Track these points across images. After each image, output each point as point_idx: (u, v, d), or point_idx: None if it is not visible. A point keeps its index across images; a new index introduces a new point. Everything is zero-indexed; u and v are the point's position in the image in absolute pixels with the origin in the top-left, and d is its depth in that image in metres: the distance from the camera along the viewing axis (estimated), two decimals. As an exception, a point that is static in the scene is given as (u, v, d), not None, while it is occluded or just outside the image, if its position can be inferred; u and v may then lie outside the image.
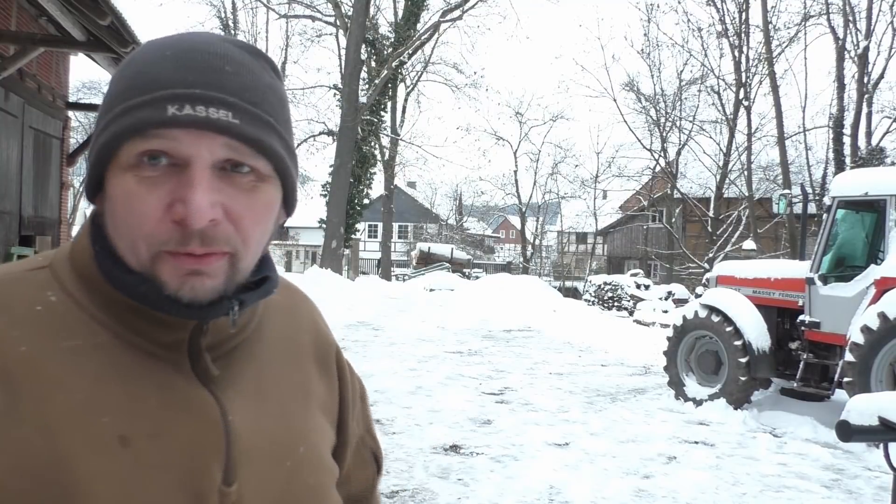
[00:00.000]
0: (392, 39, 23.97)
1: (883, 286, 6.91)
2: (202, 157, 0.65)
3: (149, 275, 0.66)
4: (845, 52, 22.94)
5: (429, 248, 33.10)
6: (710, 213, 28.07)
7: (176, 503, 0.66)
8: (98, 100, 31.41)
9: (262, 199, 0.69)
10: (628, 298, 22.32)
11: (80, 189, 35.69)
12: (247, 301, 0.71)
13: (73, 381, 0.65)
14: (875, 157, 22.09)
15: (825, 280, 7.65)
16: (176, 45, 0.68)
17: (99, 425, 0.64)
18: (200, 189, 0.64)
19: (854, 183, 7.68)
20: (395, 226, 39.07)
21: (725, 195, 28.34)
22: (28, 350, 0.65)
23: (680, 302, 19.99)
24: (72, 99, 12.53)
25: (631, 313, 21.24)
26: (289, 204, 0.75)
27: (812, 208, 15.43)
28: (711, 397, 8.20)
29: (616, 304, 22.54)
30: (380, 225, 35.95)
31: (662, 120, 29.40)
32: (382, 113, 25.28)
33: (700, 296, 9.30)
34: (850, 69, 23.15)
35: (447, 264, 29.93)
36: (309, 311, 0.90)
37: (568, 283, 35.98)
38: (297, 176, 0.75)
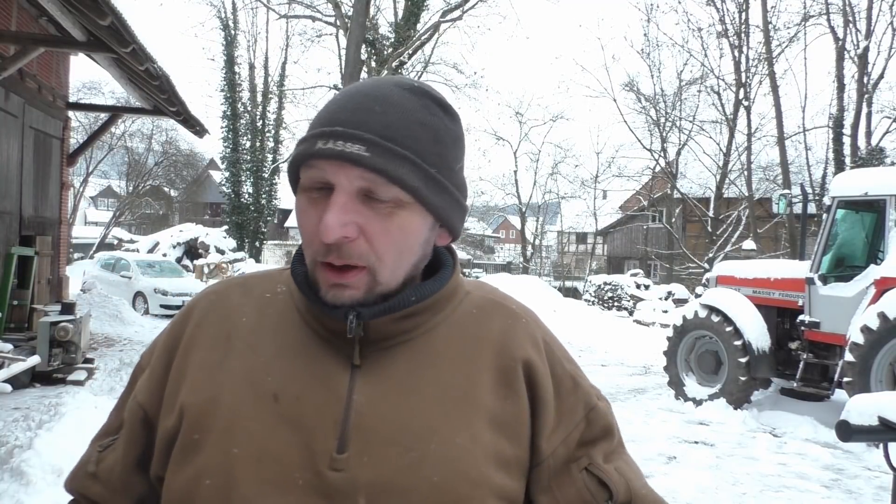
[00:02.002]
0: (392, 39, 23.92)
1: (883, 286, 6.92)
2: (342, 185, 0.79)
3: (312, 278, 0.84)
4: (845, 52, 22.90)
5: (429, 248, 33.02)
6: (710, 213, 28.00)
7: (297, 457, 0.80)
8: (98, 100, 31.29)
9: (397, 223, 0.81)
10: (628, 298, 22.31)
11: (80, 189, 35.67)
12: (363, 314, 0.83)
13: (263, 348, 0.87)
14: (875, 157, 22.03)
15: (825, 280, 7.64)
16: (349, 91, 0.84)
17: (265, 382, 0.84)
18: (333, 211, 0.78)
19: (854, 183, 7.67)
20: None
21: (725, 195, 28.25)
22: (247, 321, 0.89)
23: (680, 302, 19.99)
24: (72, 99, 12.52)
25: (631, 313, 21.24)
26: (448, 227, 0.87)
27: (812, 208, 15.41)
28: (711, 397, 8.20)
29: (616, 304, 22.53)
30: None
31: (662, 120, 29.30)
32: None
33: (700, 296, 9.30)
34: (850, 69, 23.11)
35: (447, 264, 29.86)
36: (505, 326, 0.91)
37: (568, 283, 35.93)
38: (448, 203, 0.85)
